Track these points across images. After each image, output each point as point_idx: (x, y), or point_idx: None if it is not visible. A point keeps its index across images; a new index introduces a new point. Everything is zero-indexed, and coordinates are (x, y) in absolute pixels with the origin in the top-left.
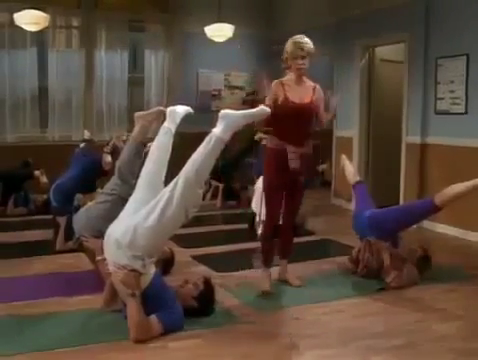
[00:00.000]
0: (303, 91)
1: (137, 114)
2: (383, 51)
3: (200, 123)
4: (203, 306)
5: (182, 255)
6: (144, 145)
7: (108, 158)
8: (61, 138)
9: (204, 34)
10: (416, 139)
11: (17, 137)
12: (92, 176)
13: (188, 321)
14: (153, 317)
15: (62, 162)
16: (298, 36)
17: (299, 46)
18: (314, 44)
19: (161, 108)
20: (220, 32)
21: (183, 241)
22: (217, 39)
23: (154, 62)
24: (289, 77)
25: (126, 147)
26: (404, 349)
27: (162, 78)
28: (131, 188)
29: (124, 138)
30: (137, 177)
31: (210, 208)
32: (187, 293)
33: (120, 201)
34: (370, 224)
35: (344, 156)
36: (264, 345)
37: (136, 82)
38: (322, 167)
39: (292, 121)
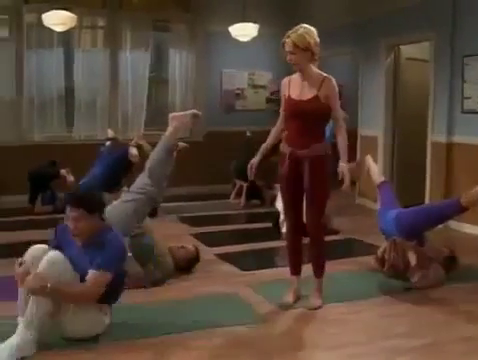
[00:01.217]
0: (306, 86)
1: (172, 115)
2: (408, 49)
3: (224, 122)
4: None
5: (206, 253)
6: (176, 146)
7: (134, 150)
8: (86, 137)
9: (227, 33)
10: (442, 138)
11: (44, 136)
12: (118, 172)
13: (210, 319)
14: (90, 273)
15: (87, 161)
16: (290, 31)
17: (282, 43)
18: (339, 42)
19: (195, 111)
20: (245, 31)
21: (207, 239)
22: (242, 39)
23: (178, 61)
24: (297, 73)
25: (158, 148)
26: (429, 349)
27: (186, 77)
28: (162, 190)
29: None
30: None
31: (234, 207)
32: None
33: (148, 201)
34: (396, 224)
35: (369, 156)
36: (287, 344)
37: (160, 81)
38: (349, 166)
39: (294, 120)
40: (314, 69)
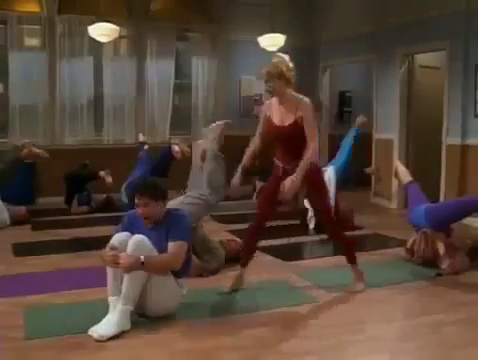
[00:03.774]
0: (284, 112)
1: (211, 126)
2: (422, 57)
3: (243, 126)
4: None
5: None
6: (221, 153)
7: (177, 147)
8: (115, 141)
9: (246, 42)
10: (456, 140)
11: (75, 140)
12: (164, 166)
13: (270, 301)
14: (170, 245)
15: (116, 163)
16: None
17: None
18: (355, 50)
19: (228, 121)
20: (273, 42)
21: (244, 234)
22: (269, 49)
23: (200, 69)
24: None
25: (208, 160)
26: (467, 322)
27: (208, 84)
28: (220, 197)
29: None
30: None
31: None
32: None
33: (206, 207)
34: (426, 216)
35: (397, 160)
36: (344, 320)
37: (183, 88)
38: (369, 170)
39: (278, 142)
40: (290, 94)
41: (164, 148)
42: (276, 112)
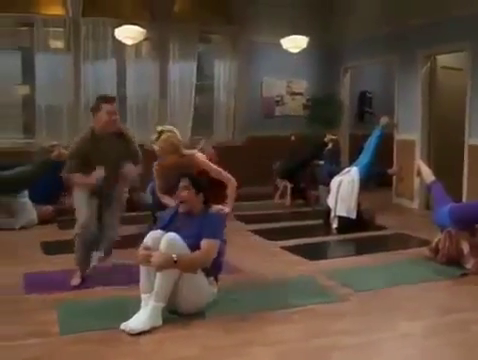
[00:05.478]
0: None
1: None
2: (443, 59)
3: (266, 127)
4: None
5: (271, 246)
6: None
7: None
8: (138, 141)
9: (267, 43)
10: None
11: None
12: None
13: (298, 298)
14: (203, 242)
15: None
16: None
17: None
18: (375, 51)
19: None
20: (295, 43)
21: (267, 234)
22: (292, 50)
23: (222, 70)
24: None
25: None
26: None
27: (229, 85)
28: None
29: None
30: None
31: (280, 206)
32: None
33: None
34: (451, 216)
35: (420, 160)
36: (375, 316)
37: (205, 89)
38: (392, 170)
39: None
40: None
41: None
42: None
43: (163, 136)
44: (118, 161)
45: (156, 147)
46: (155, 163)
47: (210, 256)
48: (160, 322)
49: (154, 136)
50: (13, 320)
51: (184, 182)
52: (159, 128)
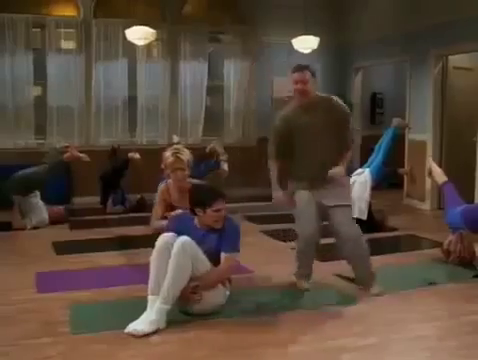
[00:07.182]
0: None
1: None
2: (456, 59)
3: None
4: None
5: (284, 247)
6: None
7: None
8: (148, 142)
9: (278, 43)
10: None
11: (109, 141)
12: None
13: (315, 299)
14: (223, 256)
15: (149, 164)
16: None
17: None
18: (387, 51)
19: None
20: (306, 44)
21: (278, 235)
22: (303, 51)
23: (233, 70)
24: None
25: None
26: None
27: (240, 85)
28: None
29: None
30: None
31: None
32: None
33: None
34: (463, 217)
35: (430, 159)
36: (390, 317)
37: (216, 89)
38: (402, 170)
39: None
40: None
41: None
42: (174, 194)
43: (185, 149)
44: None
45: (172, 155)
46: (163, 185)
47: (230, 272)
48: (164, 324)
49: (176, 139)
50: (25, 319)
51: (223, 203)
52: (176, 139)
